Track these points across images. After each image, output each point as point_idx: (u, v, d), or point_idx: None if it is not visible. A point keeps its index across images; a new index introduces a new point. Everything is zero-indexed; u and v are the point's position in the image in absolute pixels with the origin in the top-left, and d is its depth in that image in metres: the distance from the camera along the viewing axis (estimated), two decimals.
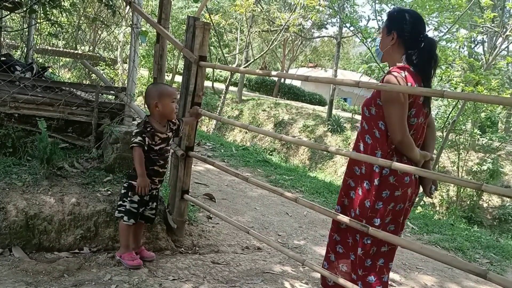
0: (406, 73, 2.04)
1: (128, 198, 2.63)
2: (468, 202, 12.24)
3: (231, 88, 22.10)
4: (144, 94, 2.76)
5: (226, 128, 20.61)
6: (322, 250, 3.62)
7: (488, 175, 12.27)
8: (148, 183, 2.58)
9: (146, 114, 2.86)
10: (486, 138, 12.73)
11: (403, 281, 3.30)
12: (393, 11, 2.20)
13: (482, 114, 11.87)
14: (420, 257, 3.80)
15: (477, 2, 10.46)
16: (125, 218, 2.62)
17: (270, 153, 15.10)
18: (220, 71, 29.16)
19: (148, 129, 2.59)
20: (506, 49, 14.30)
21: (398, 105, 2.00)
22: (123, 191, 2.67)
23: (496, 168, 12.36)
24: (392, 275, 3.18)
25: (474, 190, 11.55)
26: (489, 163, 12.46)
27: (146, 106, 2.75)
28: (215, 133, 17.54)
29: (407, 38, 2.10)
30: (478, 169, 12.54)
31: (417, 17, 2.13)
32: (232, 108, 22.90)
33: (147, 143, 2.58)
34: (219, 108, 18.45)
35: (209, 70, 23.15)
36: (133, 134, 2.61)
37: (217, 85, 26.36)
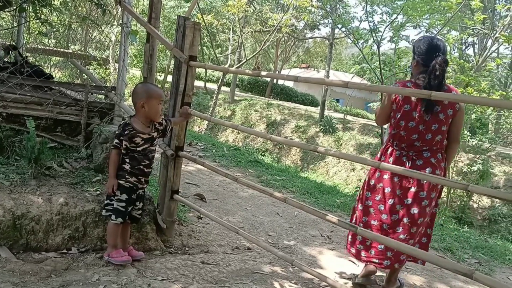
0: (409, 84, 2.60)
1: (115, 197, 2.62)
2: (458, 203, 12.29)
3: (224, 88, 22.05)
4: (131, 92, 2.74)
5: (218, 129, 20.56)
6: (312, 250, 3.64)
7: (478, 176, 12.32)
8: (114, 184, 2.60)
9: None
10: (476, 140, 12.77)
11: None
12: (414, 42, 2.79)
13: (473, 116, 11.92)
14: None
15: (468, 4, 10.54)
16: (113, 216, 2.61)
17: (262, 154, 15.09)
18: (213, 71, 29.10)
19: (126, 132, 2.59)
20: (496, 51, 14.45)
21: (382, 105, 2.80)
22: None
23: (486, 169, 12.42)
24: (381, 274, 3.19)
25: (464, 191, 11.58)
26: (479, 164, 12.51)
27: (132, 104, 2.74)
28: (207, 133, 17.50)
29: (422, 59, 2.61)
30: (468, 170, 12.60)
31: (428, 42, 2.62)
32: (225, 109, 22.85)
33: (124, 145, 2.60)
34: (211, 108, 18.40)
35: (202, 70, 23.13)
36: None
37: (210, 85, 26.30)
